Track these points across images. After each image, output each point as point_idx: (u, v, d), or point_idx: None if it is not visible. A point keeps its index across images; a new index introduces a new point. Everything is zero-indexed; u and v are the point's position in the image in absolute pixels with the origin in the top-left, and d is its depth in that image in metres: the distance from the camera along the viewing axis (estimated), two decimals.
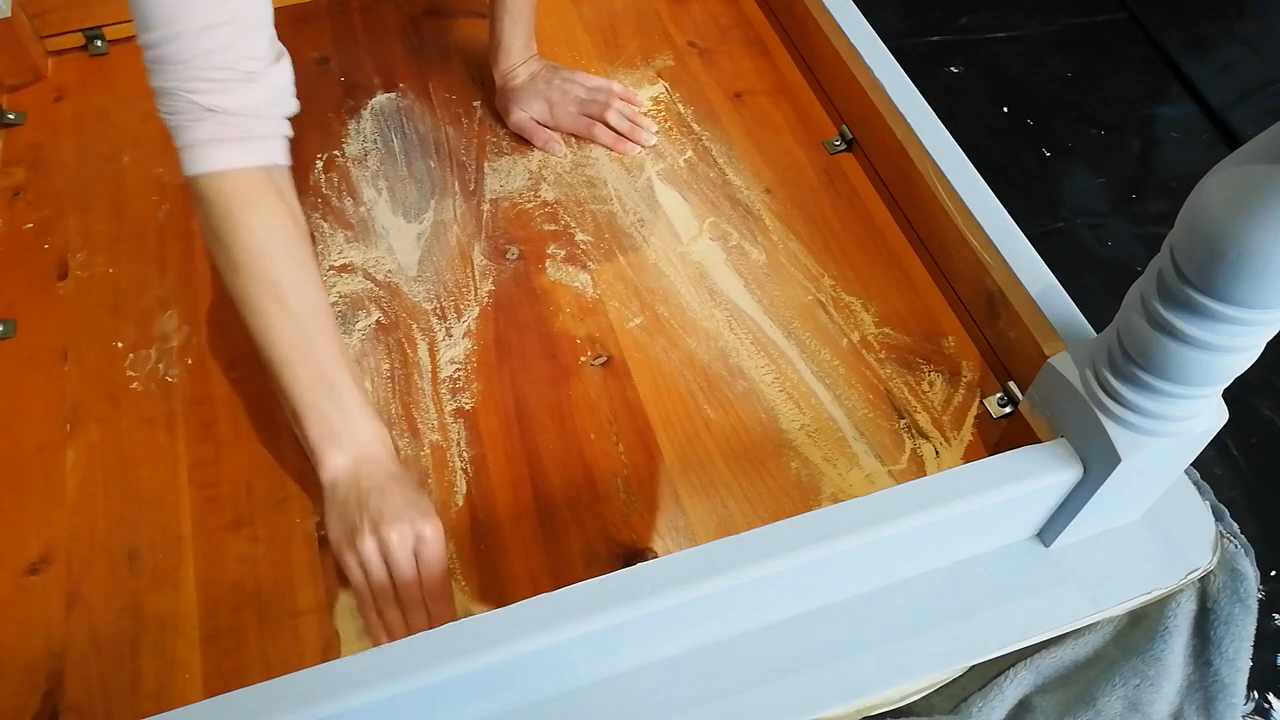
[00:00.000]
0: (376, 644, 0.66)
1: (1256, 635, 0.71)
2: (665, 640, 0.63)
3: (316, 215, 0.92)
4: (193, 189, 0.64)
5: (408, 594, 0.64)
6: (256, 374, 0.80)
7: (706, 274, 0.87)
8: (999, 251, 0.75)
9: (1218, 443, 0.85)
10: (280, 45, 0.65)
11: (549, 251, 0.89)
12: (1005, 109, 1.15)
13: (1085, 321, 0.70)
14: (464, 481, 0.75)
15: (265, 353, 0.65)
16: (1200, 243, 0.49)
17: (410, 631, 0.65)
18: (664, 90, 1.03)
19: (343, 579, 0.68)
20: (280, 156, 0.66)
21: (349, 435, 0.65)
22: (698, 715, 0.63)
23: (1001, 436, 0.76)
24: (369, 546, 0.62)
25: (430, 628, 0.64)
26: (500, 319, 0.85)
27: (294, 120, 0.67)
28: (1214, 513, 0.74)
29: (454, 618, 0.67)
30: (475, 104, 1.01)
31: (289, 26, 1.09)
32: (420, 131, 0.99)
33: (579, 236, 0.90)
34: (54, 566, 0.71)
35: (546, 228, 0.91)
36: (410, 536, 0.63)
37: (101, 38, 1.05)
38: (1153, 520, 0.72)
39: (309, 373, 0.65)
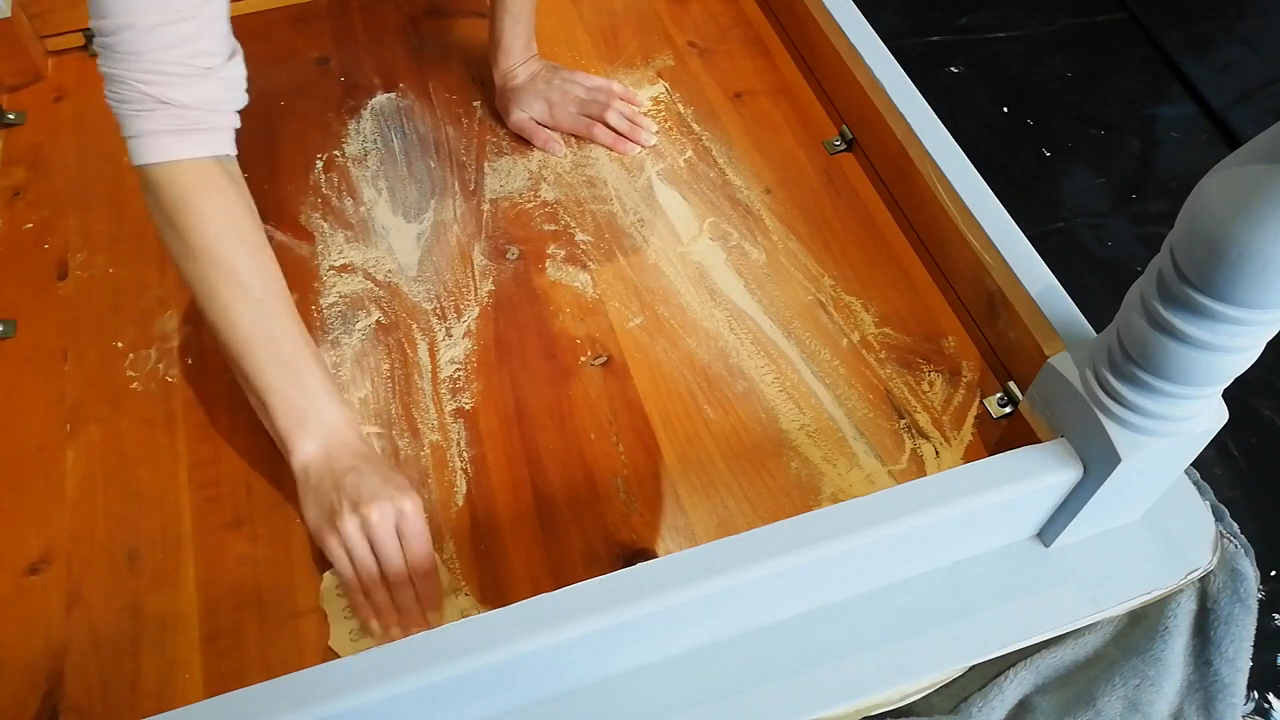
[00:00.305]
0: (365, 625, 0.66)
1: (1256, 635, 0.71)
2: (665, 640, 0.63)
3: (316, 215, 0.92)
4: (142, 178, 0.64)
5: (394, 571, 0.64)
6: None
7: (706, 274, 0.87)
8: (999, 251, 0.75)
9: (1218, 443, 0.85)
10: (235, 41, 0.65)
11: (549, 251, 0.89)
12: (1005, 109, 1.15)
13: (1085, 321, 0.70)
14: (464, 481, 0.75)
15: (225, 338, 0.65)
16: (1200, 243, 0.49)
17: (399, 609, 0.65)
18: (664, 90, 1.03)
19: (324, 563, 0.68)
20: (230, 148, 0.66)
21: (315, 419, 0.65)
22: (698, 715, 0.63)
23: (1001, 436, 0.76)
24: (350, 526, 0.63)
25: (418, 604, 0.65)
26: (500, 319, 0.85)
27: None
28: (1214, 513, 0.73)
29: (440, 593, 0.67)
30: (475, 104, 1.01)
31: (289, 26, 1.09)
32: (420, 131, 0.99)
33: (579, 236, 0.90)
34: (54, 566, 0.71)
35: (546, 228, 0.91)
36: (391, 513, 0.63)
37: None
38: (1153, 520, 0.72)
39: (271, 358, 0.65)
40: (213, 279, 0.64)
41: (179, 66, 0.60)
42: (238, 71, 0.65)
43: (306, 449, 0.65)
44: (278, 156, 0.95)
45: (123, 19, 0.58)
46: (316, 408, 0.65)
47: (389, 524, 0.63)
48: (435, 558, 0.68)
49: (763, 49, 1.07)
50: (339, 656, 0.65)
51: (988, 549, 0.70)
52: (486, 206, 0.93)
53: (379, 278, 0.87)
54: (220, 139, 0.65)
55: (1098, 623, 0.69)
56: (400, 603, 0.65)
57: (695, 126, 0.99)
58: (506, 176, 0.95)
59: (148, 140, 0.62)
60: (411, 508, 0.64)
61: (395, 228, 0.91)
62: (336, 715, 0.53)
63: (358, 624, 0.67)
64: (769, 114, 1.00)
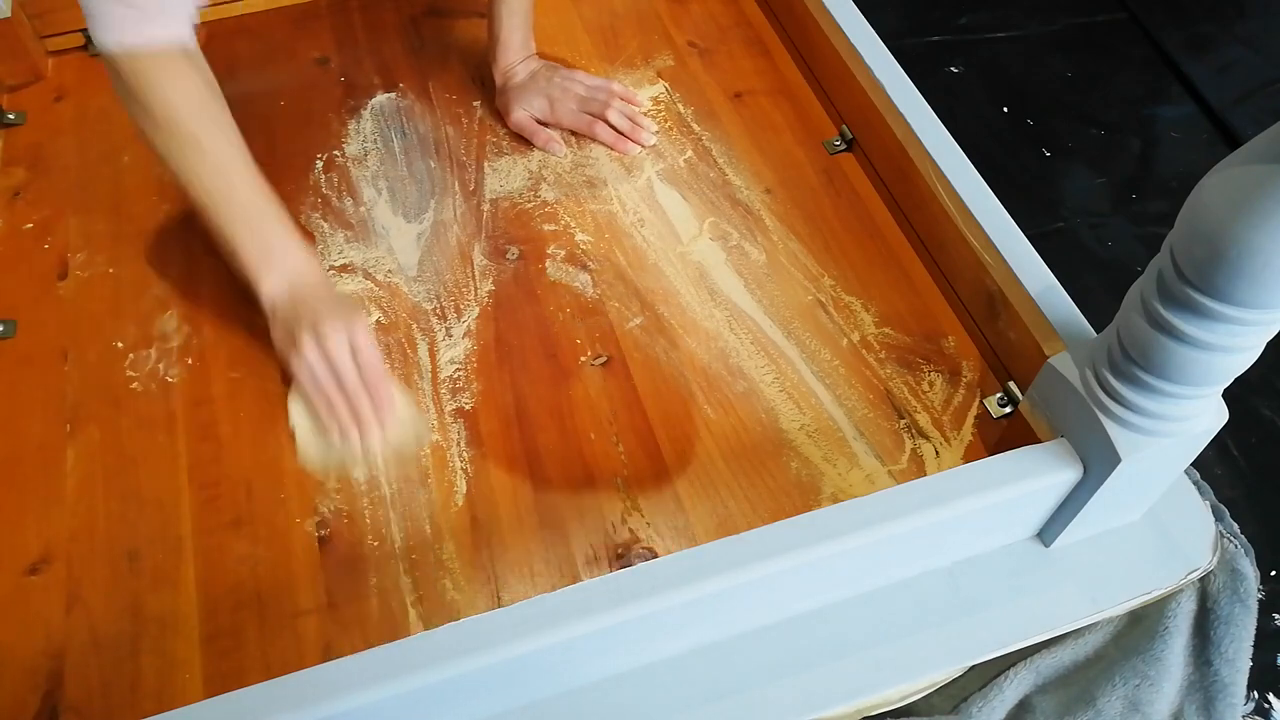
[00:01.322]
0: (329, 433, 0.73)
1: (1256, 635, 0.71)
2: (665, 640, 0.63)
3: (316, 215, 0.92)
4: (107, 62, 0.69)
5: (349, 380, 0.72)
6: (256, 374, 0.80)
7: (706, 274, 0.87)
8: (999, 251, 0.75)
9: (1218, 443, 0.85)
10: None
11: (549, 251, 0.89)
12: (1005, 109, 1.15)
13: (1085, 321, 0.70)
14: (464, 481, 0.75)
15: (194, 199, 0.73)
16: (1200, 243, 0.49)
17: (358, 415, 0.73)
18: (664, 90, 1.03)
19: (290, 382, 0.75)
20: (189, 38, 0.72)
21: (279, 259, 0.73)
22: (698, 715, 0.63)
23: (1001, 436, 0.76)
24: (309, 343, 0.71)
25: (374, 410, 0.73)
26: (500, 319, 0.85)
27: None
28: (1214, 513, 0.74)
29: (391, 396, 0.74)
30: (475, 104, 1.01)
31: (289, 26, 1.09)
32: (420, 131, 0.99)
33: (579, 236, 0.90)
34: (54, 566, 0.71)
35: (546, 228, 0.91)
36: (343, 329, 0.71)
37: None
38: (1153, 520, 0.72)
39: (235, 210, 0.73)
40: (176, 148, 0.71)
41: None
42: None
43: (273, 284, 0.73)
44: (278, 156, 0.95)
45: None
46: (281, 249, 0.73)
47: (342, 338, 0.71)
48: (385, 368, 0.75)
49: (763, 49, 1.07)
50: (308, 470, 0.74)
51: (987, 549, 0.70)
52: (486, 206, 0.93)
53: (379, 278, 0.87)
54: (177, 25, 0.70)
55: (1098, 623, 0.70)
56: (358, 410, 0.73)
57: (695, 126, 0.99)
58: (506, 176, 0.95)
59: (110, 28, 0.67)
60: (360, 325, 0.72)
61: (395, 228, 0.91)
62: (336, 715, 0.54)
63: (323, 436, 0.74)
64: (769, 114, 1.00)
